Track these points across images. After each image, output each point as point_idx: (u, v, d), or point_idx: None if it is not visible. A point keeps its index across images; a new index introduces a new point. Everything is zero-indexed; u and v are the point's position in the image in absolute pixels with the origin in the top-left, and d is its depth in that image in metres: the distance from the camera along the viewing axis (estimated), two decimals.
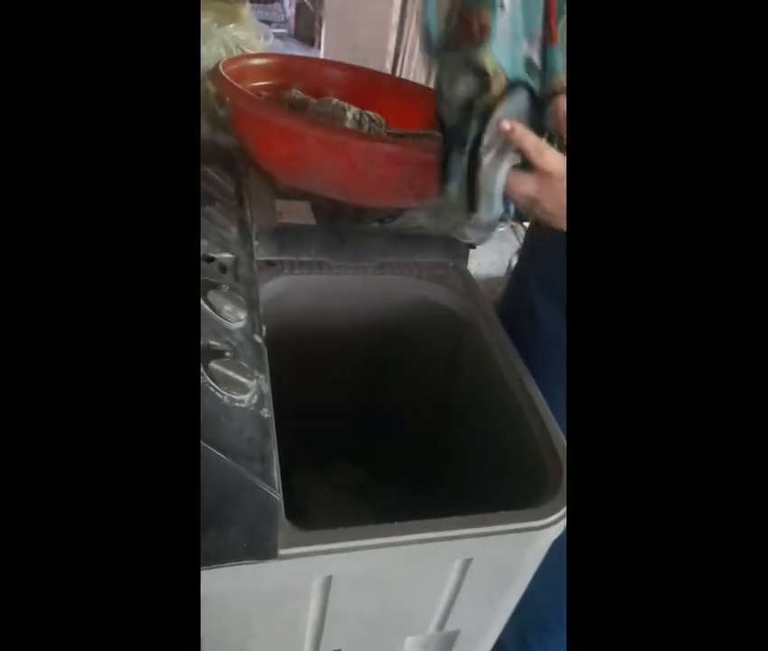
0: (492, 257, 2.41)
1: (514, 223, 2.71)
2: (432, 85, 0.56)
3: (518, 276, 0.83)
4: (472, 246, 0.77)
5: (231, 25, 0.98)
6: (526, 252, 0.82)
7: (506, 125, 0.51)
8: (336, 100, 0.80)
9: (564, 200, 0.52)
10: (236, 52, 0.95)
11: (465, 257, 0.78)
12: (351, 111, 0.78)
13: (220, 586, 0.43)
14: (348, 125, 0.76)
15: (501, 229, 2.76)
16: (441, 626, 0.56)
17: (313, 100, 0.82)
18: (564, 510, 0.48)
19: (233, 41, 0.99)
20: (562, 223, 0.53)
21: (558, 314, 0.66)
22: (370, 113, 0.80)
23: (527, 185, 0.53)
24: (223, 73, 0.70)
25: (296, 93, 0.84)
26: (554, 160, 0.51)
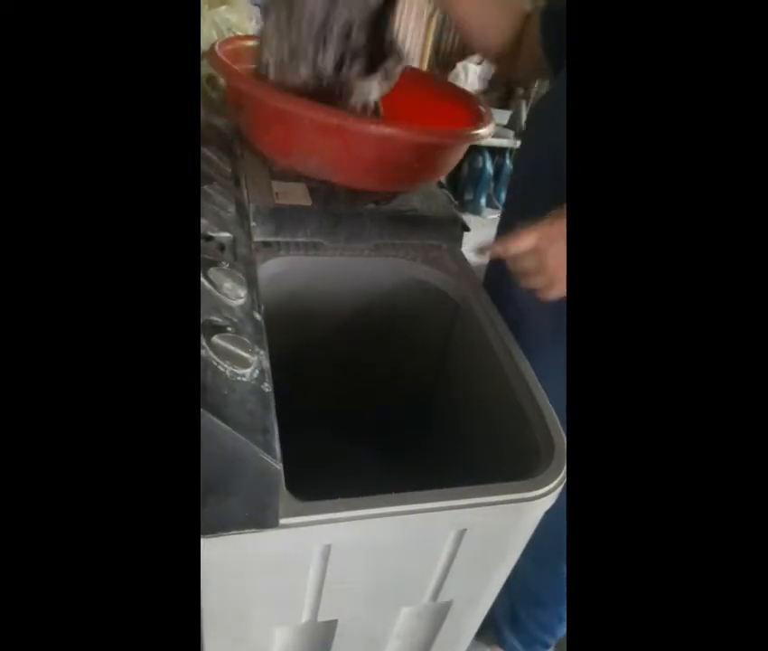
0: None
1: None
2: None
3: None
4: (467, 229, 0.78)
5: (223, 7, 0.98)
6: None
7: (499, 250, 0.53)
8: None
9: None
10: (227, 35, 0.95)
11: (459, 239, 0.79)
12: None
13: (220, 554, 0.44)
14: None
15: (492, 216, 2.77)
16: (435, 596, 0.58)
17: None
18: (555, 481, 0.50)
19: (224, 23, 0.98)
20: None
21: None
22: None
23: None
24: (219, 54, 0.70)
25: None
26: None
